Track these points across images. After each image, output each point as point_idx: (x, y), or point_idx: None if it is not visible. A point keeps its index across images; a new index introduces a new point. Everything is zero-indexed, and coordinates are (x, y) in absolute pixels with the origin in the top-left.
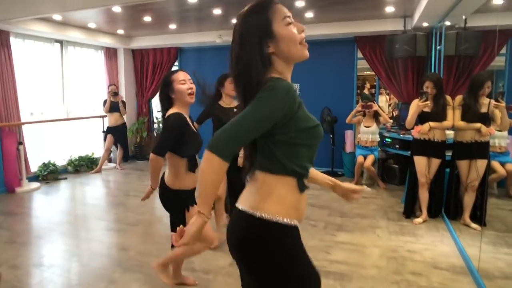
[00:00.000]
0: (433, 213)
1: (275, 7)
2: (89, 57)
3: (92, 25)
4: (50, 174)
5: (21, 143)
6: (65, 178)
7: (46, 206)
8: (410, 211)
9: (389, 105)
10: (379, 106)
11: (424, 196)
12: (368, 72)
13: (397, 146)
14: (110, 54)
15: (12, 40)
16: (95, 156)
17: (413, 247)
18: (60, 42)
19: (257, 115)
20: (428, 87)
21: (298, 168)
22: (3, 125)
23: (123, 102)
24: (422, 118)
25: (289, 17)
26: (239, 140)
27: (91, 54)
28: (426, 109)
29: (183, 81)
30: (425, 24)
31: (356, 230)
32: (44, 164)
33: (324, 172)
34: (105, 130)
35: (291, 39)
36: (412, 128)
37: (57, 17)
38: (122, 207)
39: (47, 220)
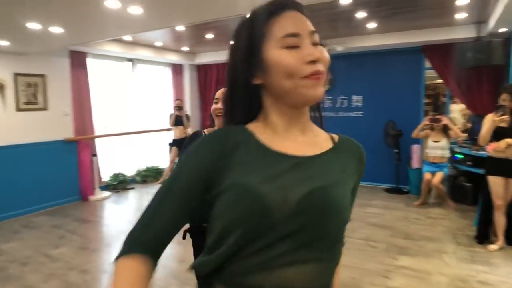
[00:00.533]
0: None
1: (276, 19)
2: (157, 74)
3: (159, 43)
4: (119, 184)
5: (94, 154)
6: (133, 188)
7: (116, 214)
8: (483, 236)
9: (463, 115)
10: (449, 119)
11: (500, 220)
12: (439, 81)
13: (470, 163)
14: (176, 70)
15: (88, 60)
16: (161, 167)
17: (487, 278)
18: (131, 60)
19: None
20: (505, 100)
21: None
22: (79, 138)
23: (187, 116)
24: (498, 134)
25: (294, 36)
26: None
27: (159, 70)
28: (503, 124)
29: (216, 100)
30: (502, 30)
31: (420, 254)
32: (114, 174)
33: (388, 189)
34: (170, 143)
35: (281, 70)
36: (487, 145)
37: (127, 38)
38: None
39: (116, 228)
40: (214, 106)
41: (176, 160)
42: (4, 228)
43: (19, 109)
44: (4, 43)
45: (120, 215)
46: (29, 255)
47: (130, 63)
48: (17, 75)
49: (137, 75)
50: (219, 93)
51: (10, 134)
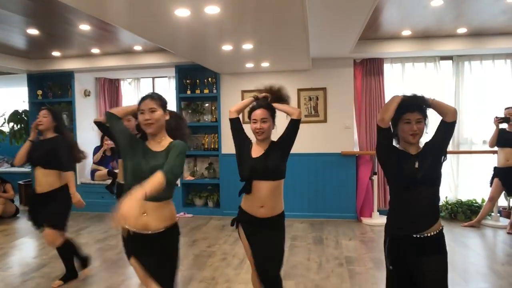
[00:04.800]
0: None
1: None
2: (489, 70)
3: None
4: None
5: (375, 172)
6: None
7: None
8: None
9: None
10: None
11: None
12: None
13: None
14: None
15: (386, 66)
16: (477, 202)
17: None
18: (450, 58)
19: None
20: None
21: None
22: (357, 152)
23: None
24: None
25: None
26: None
27: (495, 66)
28: None
29: (254, 120)
30: None
31: None
32: None
33: None
34: (493, 171)
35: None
36: None
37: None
38: None
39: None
40: (253, 126)
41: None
42: None
43: (301, 122)
44: (265, 64)
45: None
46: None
47: (448, 62)
48: (300, 90)
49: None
50: (258, 114)
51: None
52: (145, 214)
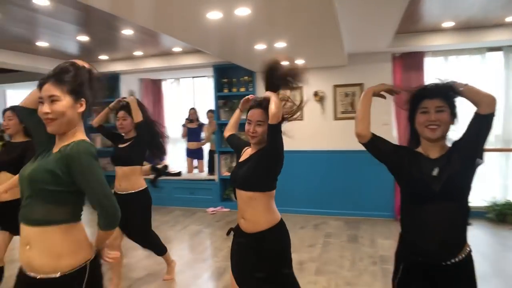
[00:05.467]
0: None
1: None
2: None
3: None
4: None
5: None
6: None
7: None
8: None
9: None
10: None
11: None
12: None
13: None
14: None
15: (426, 60)
16: None
17: None
18: (499, 49)
19: None
20: None
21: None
22: None
23: None
24: None
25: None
26: None
27: None
28: None
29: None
30: None
31: None
32: None
33: None
34: None
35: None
36: None
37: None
38: None
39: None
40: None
41: None
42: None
43: (336, 118)
44: (300, 61)
45: None
46: None
47: (497, 53)
48: (336, 86)
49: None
50: (253, 115)
51: (328, 140)
52: (28, 247)
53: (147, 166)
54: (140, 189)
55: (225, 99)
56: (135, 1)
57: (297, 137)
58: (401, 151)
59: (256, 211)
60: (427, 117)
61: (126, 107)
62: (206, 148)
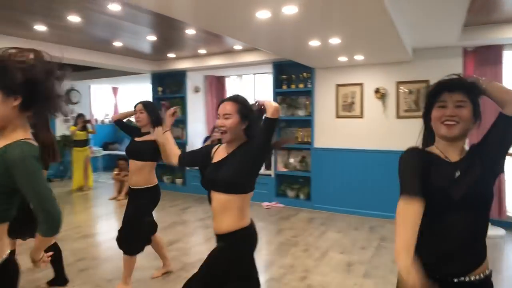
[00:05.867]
0: None
1: None
2: None
3: None
4: None
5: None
6: None
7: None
8: None
9: None
10: None
11: None
12: None
13: None
14: None
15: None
16: None
17: None
18: None
19: None
20: None
21: None
22: None
23: None
24: None
25: None
26: None
27: None
28: None
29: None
30: None
31: None
32: None
33: None
34: None
35: None
36: None
37: None
38: None
39: None
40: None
41: None
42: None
43: (399, 117)
44: (359, 57)
45: None
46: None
47: None
48: (399, 83)
49: None
50: (221, 107)
51: (389, 140)
52: None
53: None
54: (150, 185)
55: (284, 96)
56: (194, 7)
57: (356, 135)
58: (422, 153)
59: (230, 213)
60: (444, 112)
61: (146, 105)
62: None
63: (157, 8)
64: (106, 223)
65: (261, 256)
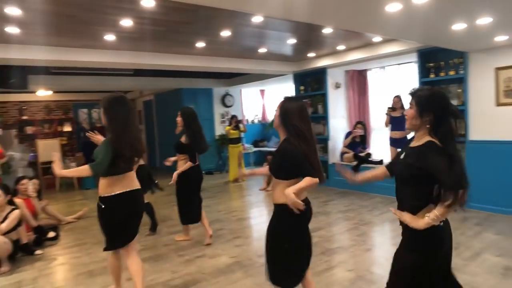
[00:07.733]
0: None
1: None
2: None
3: None
4: None
5: None
6: None
7: None
8: None
9: None
10: None
11: None
12: None
13: None
14: None
15: None
16: None
17: None
18: None
19: None
20: None
21: None
22: None
23: None
24: None
25: None
26: None
27: None
28: None
29: None
30: None
31: None
32: None
33: None
34: None
35: None
36: None
37: None
38: None
39: None
40: None
41: None
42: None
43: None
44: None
45: None
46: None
47: None
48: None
49: None
50: None
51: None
52: None
53: (350, 154)
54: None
55: (431, 85)
56: (329, 10)
57: None
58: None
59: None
60: None
61: (184, 113)
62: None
63: (306, 19)
64: (257, 210)
65: (390, 248)
